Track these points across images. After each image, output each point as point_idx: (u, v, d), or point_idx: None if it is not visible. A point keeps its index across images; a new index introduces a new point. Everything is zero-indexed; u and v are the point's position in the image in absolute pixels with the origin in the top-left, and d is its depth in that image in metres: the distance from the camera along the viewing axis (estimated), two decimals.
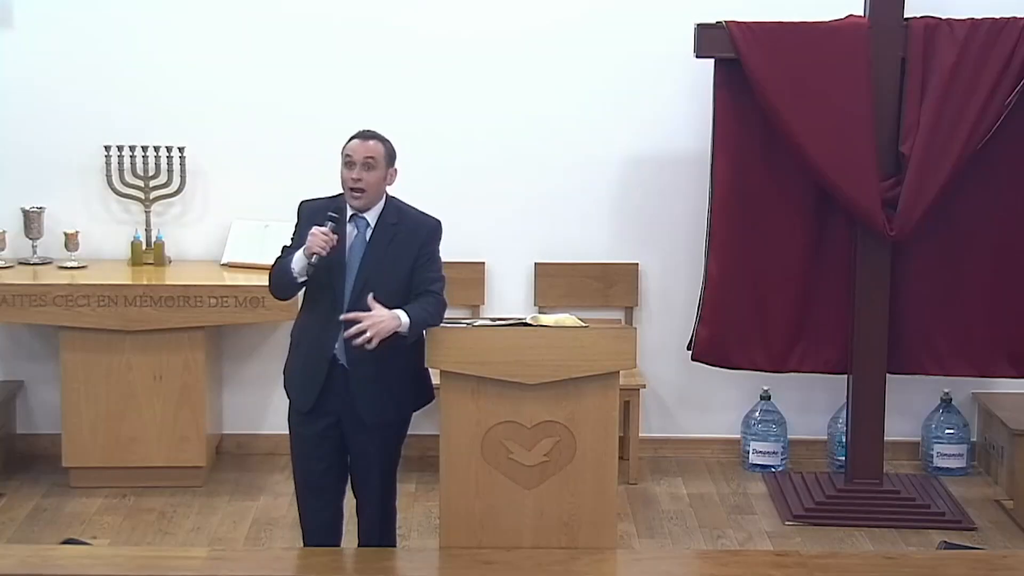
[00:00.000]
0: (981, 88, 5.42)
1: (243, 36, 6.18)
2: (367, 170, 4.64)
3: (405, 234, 4.68)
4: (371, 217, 4.69)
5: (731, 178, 5.62)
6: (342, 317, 4.54)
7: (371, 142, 4.69)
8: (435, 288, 4.68)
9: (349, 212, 4.69)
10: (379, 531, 4.95)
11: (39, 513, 5.68)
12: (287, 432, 6.34)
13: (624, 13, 6.16)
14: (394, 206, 4.74)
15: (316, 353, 4.69)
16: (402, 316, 4.54)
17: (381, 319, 4.50)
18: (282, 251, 4.74)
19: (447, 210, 6.16)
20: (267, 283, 4.80)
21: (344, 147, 4.72)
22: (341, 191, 4.72)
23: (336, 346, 4.64)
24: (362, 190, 4.63)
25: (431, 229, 4.75)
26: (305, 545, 4.94)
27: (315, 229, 4.56)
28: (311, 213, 4.71)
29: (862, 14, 5.55)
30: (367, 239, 4.67)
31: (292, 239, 4.75)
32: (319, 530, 4.91)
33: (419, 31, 6.17)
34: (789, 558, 4.99)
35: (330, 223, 4.57)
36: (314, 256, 4.54)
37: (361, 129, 4.81)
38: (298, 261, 4.59)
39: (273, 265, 4.74)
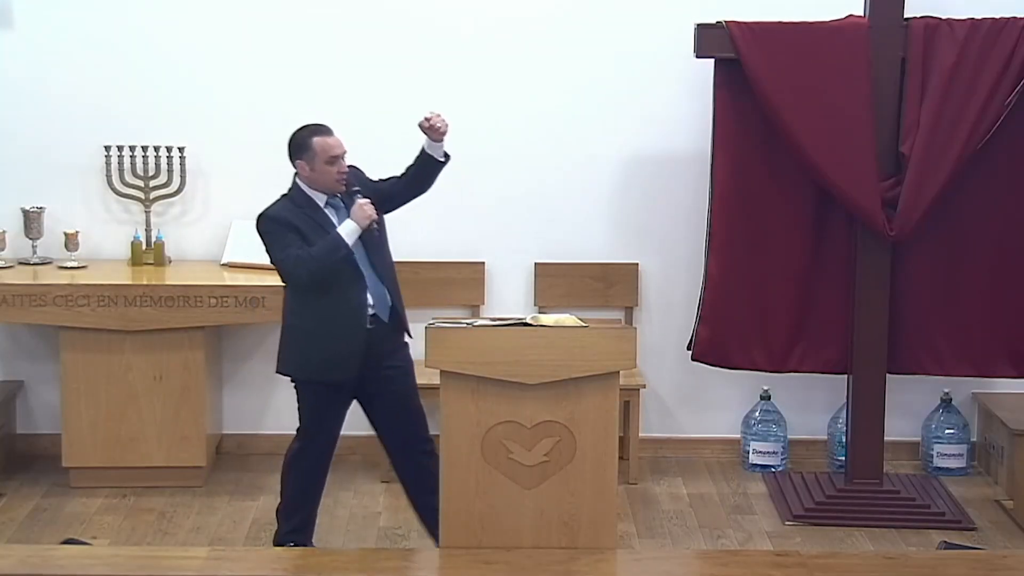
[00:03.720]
0: (981, 88, 5.42)
1: (243, 36, 6.18)
2: (344, 159, 5.07)
3: (361, 190, 5.09)
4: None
5: (731, 178, 5.62)
6: (426, 117, 5.06)
7: (335, 135, 5.09)
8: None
9: (322, 200, 5.07)
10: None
11: (39, 513, 5.68)
12: (287, 432, 6.38)
13: (624, 13, 6.16)
14: None
15: (351, 322, 5.02)
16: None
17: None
18: (288, 252, 4.96)
19: (447, 210, 6.22)
20: (296, 279, 5.00)
21: (314, 147, 5.04)
22: (286, 192, 5.11)
23: (370, 302, 5.04)
24: (346, 177, 5.07)
25: (360, 175, 5.17)
26: (305, 526, 5.19)
27: (360, 201, 4.99)
28: (289, 214, 5.02)
29: (862, 14, 5.55)
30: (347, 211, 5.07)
31: (282, 241, 4.98)
32: (313, 509, 5.25)
33: (418, 31, 6.18)
34: (789, 558, 4.99)
35: (359, 195, 5.03)
36: (373, 222, 4.99)
37: (314, 124, 5.10)
38: (351, 234, 4.98)
39: (298, 260, 4.95)
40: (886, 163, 5.51)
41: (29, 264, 6.12)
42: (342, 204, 5.08)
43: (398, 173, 5.21)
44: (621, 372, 4.90)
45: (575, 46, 6.18)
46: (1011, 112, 5.45)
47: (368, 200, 5.02)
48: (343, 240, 4.97)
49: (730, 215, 5.64)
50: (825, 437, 6.35)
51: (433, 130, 5.10)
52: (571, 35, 6.18)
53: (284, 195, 5.13)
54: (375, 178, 5.23)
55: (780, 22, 5.49)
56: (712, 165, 5.64)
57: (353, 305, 5.02)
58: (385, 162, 6.18)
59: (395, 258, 6.21)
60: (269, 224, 5.04)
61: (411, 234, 6.27)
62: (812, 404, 6.34)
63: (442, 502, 4.91)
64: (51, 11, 6.14)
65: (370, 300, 5.04)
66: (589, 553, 4.82)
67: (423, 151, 5.16)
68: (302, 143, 5.07)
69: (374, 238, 5.06)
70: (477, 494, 4.86)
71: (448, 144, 6.18)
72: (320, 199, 5.08)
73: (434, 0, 6.18)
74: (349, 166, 5.14)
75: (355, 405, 6.35)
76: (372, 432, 6.28)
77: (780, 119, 5.48)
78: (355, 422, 6.38)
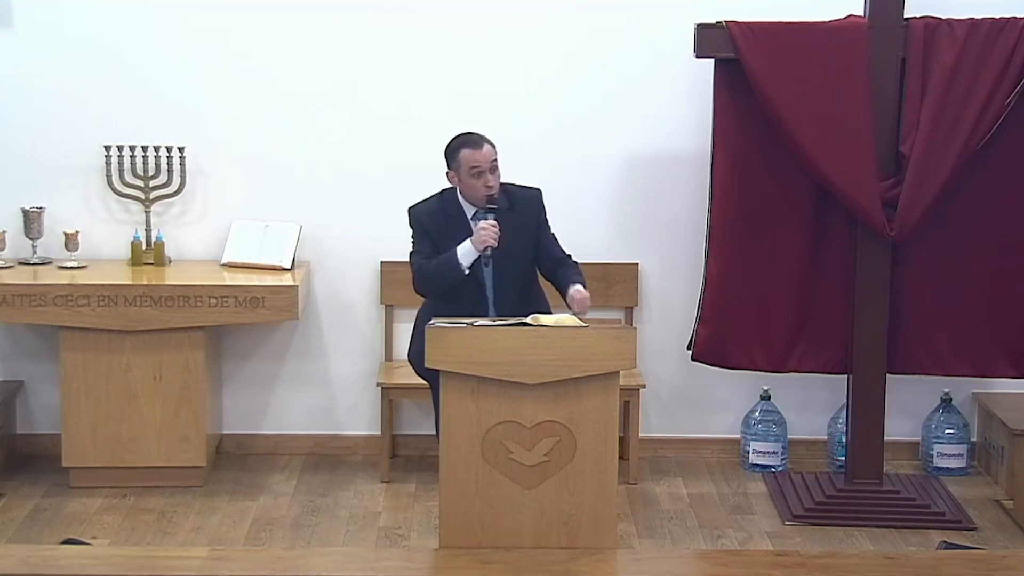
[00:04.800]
0: (981, 88, 5.42)
1: (243, 36, 6.17)
2: (493, 173, 5.10)
3: (519, 214, 5.15)
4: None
5: (731, 178, 5.62)
6: (573, 299, 5.02)
7: (487, 147, 5.14)
8: (559, 252, 5.23)
9: (471, 211, 5.13)
10: None
11: (39, 513, 5.68)
12: (287, 432, 6.41)
13: (624, 12, 6.15)
14: (502, 191, 5.18)
15: None
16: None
17: (588, 299, 5.07)
18: (414, 256, 5.18)
19: None
20: (414, 285, 5.21)
21: (460, 159, 5.10)
22: (443, 189, 5.21)
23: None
24: (495, 190, 5.10)
25: (536, 199, 5.24)
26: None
27: (484, 224, 5.02)
28: (429, 216, 5.17)
29: (862, 14, 5.55)
30: None
31: (418, 243, 5.20)
32: None
33: (418, 31, 6.17)
34: (789, 558, 5.00)
35: (491, 215, 5.05)
36: (487, 248, 5.01)
37: (465, 134, 5.18)
38: (467, 255, 5.06)
39: (419, 269, 5.15)
40: (886, 163, 5.51)
41: (29, 264, 6.12)
42: (486, 216, 5.11)
43: (566, 256, 5.27)
44: (621, 372, 4.91)
45: (575, 46, 6.18)
46: (1011, 112, 5.45)
47: (492, 223, 5.02)
48: (459, 262, 5.05)
49: (730, 215, 5.63)
50: (825, 437, 6.35)
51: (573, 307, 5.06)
52: (570, 35, 6.17)
53: (440, 192, 5.20)
54: (550, 224, 5.27)
55: (780, 22, 5.49)
56: (712, 165, 5.64)
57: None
58: (383, 160, 6.23)
59: (395, 258, 6.26)
60: (411, 220, 5.19)
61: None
62: (812, 404, 6.34)
63: (442, 502, 4.91)
64: (51, 11, 6.13)
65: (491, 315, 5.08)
66: (589, 553, 4.83)
67: (566, 293, 5.14)
68: (451, 153, 5.13)
69: (506, 259, 5.08)
70: (477, 494, 4.86)
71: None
72: (470, 210, 5.13)
73: (434, 0, 6.17)
74: (533, 188, 5.23)
75: (354, 404, 6.39)
76: (372, 432, 6.32)
77: (780, 119, 5.48)
78: (355, 422, 6.42)
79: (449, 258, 5.06)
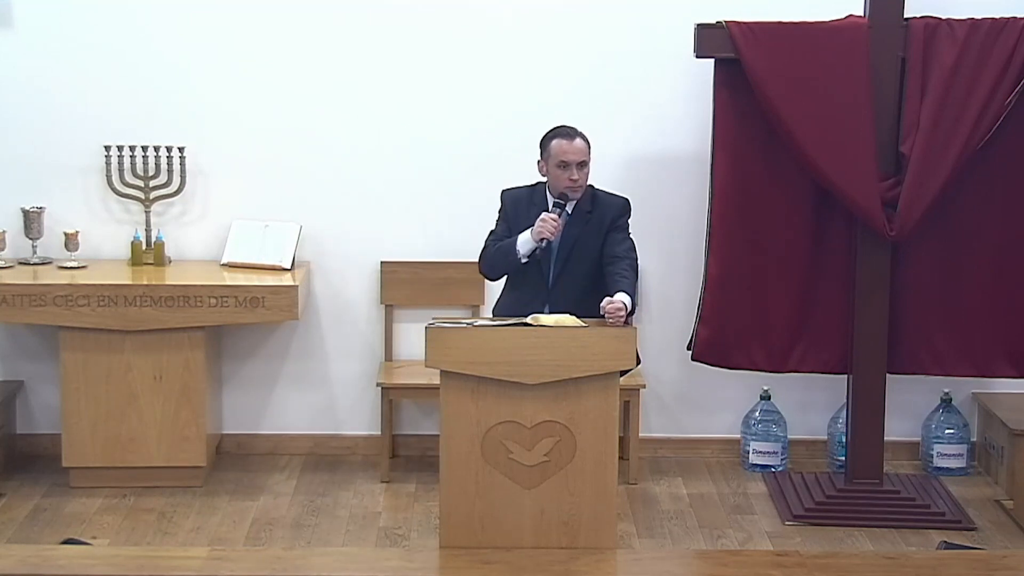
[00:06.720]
0: (981, 88, 5.42)
1: (243, 36, 6.17)
2: (580, 169, 5.17)
3: (596, 217, 5.21)
4: (570, 206, 5.22)
5: (731, 178, 5.62)
6: (606, 311, 4.85)
7: (578, 141, 5.20)
8: (621, 252, 5.17)
9: (551, 200, 5.20)
10: None
11: (39, 513, 5.68)
12: (287, 432, 6.41)
13: (624, 12, 6.15)
14: (589, 194, 5.27)
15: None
16: (627, 301, 4.94)
17: (622, 310, 4.90)
18: (489, 235, 5.29)
19: (446, 210, 6.23)
20: (478, 263, 5.31)
21: (551, 148, 5.20)
22: (540, 180, 5.28)
23: (546, 311, 5.07)
24: (579, 188, 5.17)
25: (618, 206, 5.27)
26: None
27: (545, 216, 5.07)
28: (513, 202, 5.29)
29: (862, 14, 5.55)
30: (563, 226, 5.15)
31: (497, 225, 5.30)
32: None
33: (417, 30, 6.17)
34: (789, 558, 5.00)
35: (557, 210, 5.11)
36: (544, 240, 5.06)
37: (561, 126, 5.27)
38: (524, 244, 5.11)
39: (485, 248, 5.27)
40: (886, 163, 5.51)
41: (29, 264, 6.12)
42: (565, 211, 5.15)
43: (624, 266, 5.16)
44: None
45: (574, 46, 6.17)
46: (1011, 112, 5.45)
47: (553, 217, 5.07)
48: (515, 249, 5.11)
49: (730, 215, 5.63)
50: (825, 437, 6.35)
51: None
52: (570, 35, 6.17)
53: (534, 183, 5.29)
54: (629, 231, 5.28)
55: (780, 22, 5.49)
56: (712, 165, 5.64)
57: (528, 310, 5.06)
58: (383, 161, 6.23)
59: (395, 258, 6.27)
60: (501, 199, 5.32)
61: (411, 234, 6.28)
62: (812, 404, 6.34)
63: (442, 502, 4.92)
64: (51, 11, 6.13)
65: (547, 310, 5.09)
66: (589, 553, 4.83)
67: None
68: (544, 142, 5.22)
69: (570, 258, 5.15)
70: (477, 494, 4.86)
71: (448, 143, 6.22)
72: (551, 202, 5.19)
73: (433, 1, 6.17)
74: (621, 196, 5.28)
75: (354, 404, 6.40)
76: (372, 432, 6.32)
77: (780, 119, 5.48)
78: (355, 422, 6.42)
79: (510, 243, 5.15)
